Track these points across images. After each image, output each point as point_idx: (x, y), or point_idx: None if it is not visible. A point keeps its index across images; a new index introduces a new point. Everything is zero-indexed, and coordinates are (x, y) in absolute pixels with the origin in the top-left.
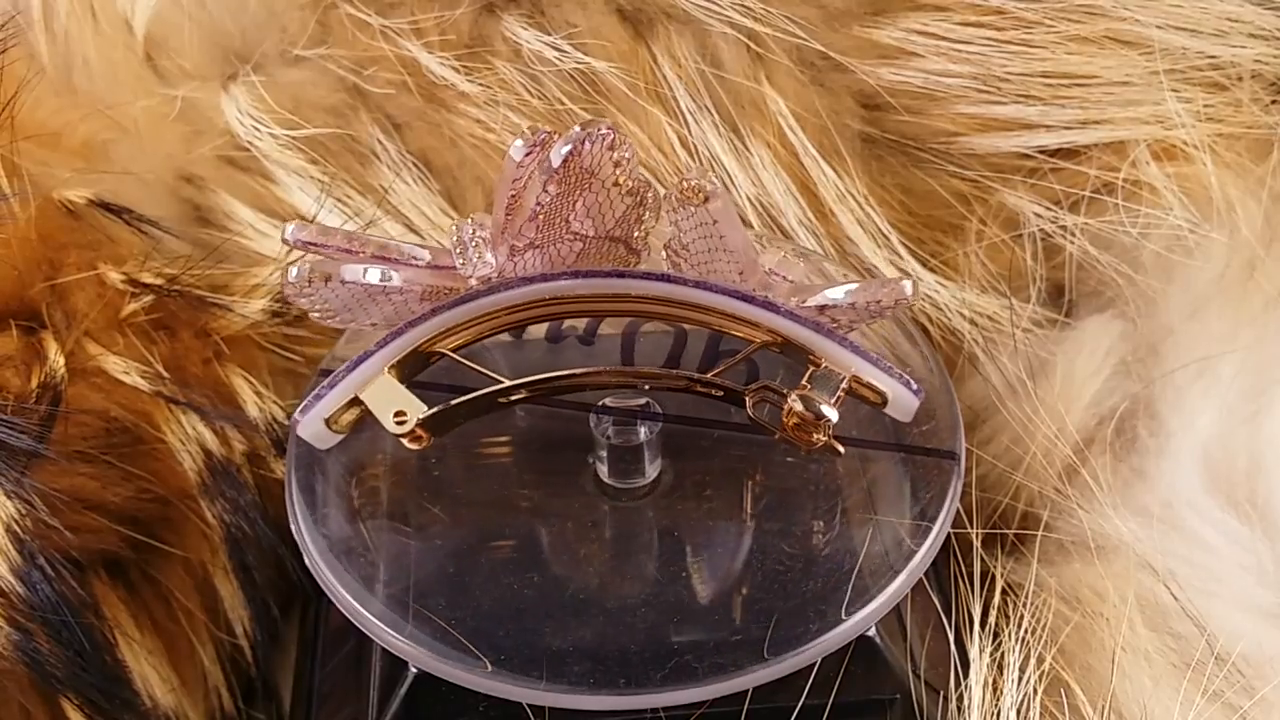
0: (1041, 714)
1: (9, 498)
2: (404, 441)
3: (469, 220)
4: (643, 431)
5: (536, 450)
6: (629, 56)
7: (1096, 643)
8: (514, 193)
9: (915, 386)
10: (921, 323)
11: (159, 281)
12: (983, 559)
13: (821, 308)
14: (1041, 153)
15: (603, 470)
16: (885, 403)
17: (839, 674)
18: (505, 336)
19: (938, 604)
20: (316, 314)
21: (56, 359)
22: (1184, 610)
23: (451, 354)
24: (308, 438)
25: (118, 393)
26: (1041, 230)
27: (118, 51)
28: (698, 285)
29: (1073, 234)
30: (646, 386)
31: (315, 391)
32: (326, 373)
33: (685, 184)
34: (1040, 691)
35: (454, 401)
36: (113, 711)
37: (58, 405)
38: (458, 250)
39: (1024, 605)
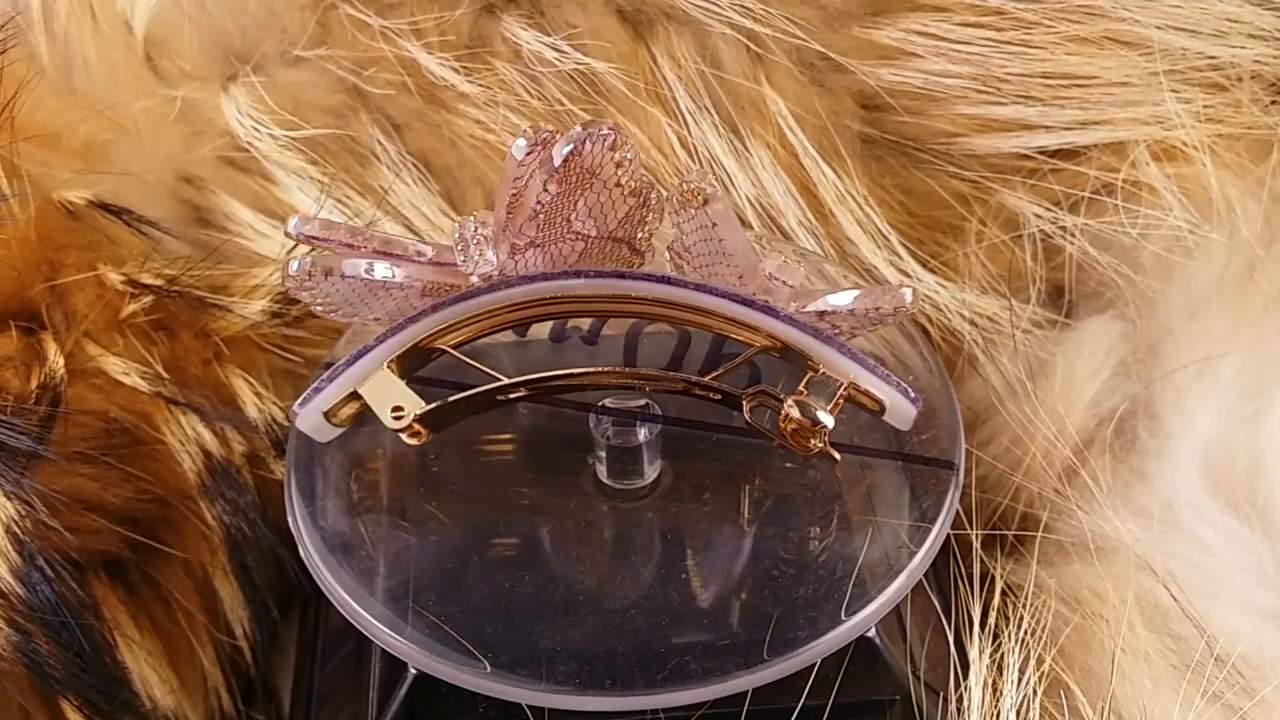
0: (1041, 715)
1: (9, 499)
2: (403, 437)
3: (471, 218)
4: (642, 433)
5: (537, 450)
6: (629, 57)
7: (1096, 644)
8: (515, 191)
9: (913, 395)
10: (921, 323)
11: (159, 282)
12: (982, 560)
13: (821, 313)
14: (1041, 153)
15: (601, 471)
16: (883, 410)
17: (839, 675)
18: (509, 335)
19: (937, 605)
20: (319, 308)
21: (56, 360)
22: (1184, 611)
23: (452, 350)
24: (306, 430)
25: (117, 393)
26: (1041, 231)
27: (117, 52)
28: (698, 288)
29: (1072, 235)
30: (647, 388)
31: (315, 384)
32: (330, 366)
33: (685, 186)
34: (1040, 693)
35: (452, 398)
36: (112, 713)
37: (57, 406)
38: (459, 247)
39: (1024, 606)
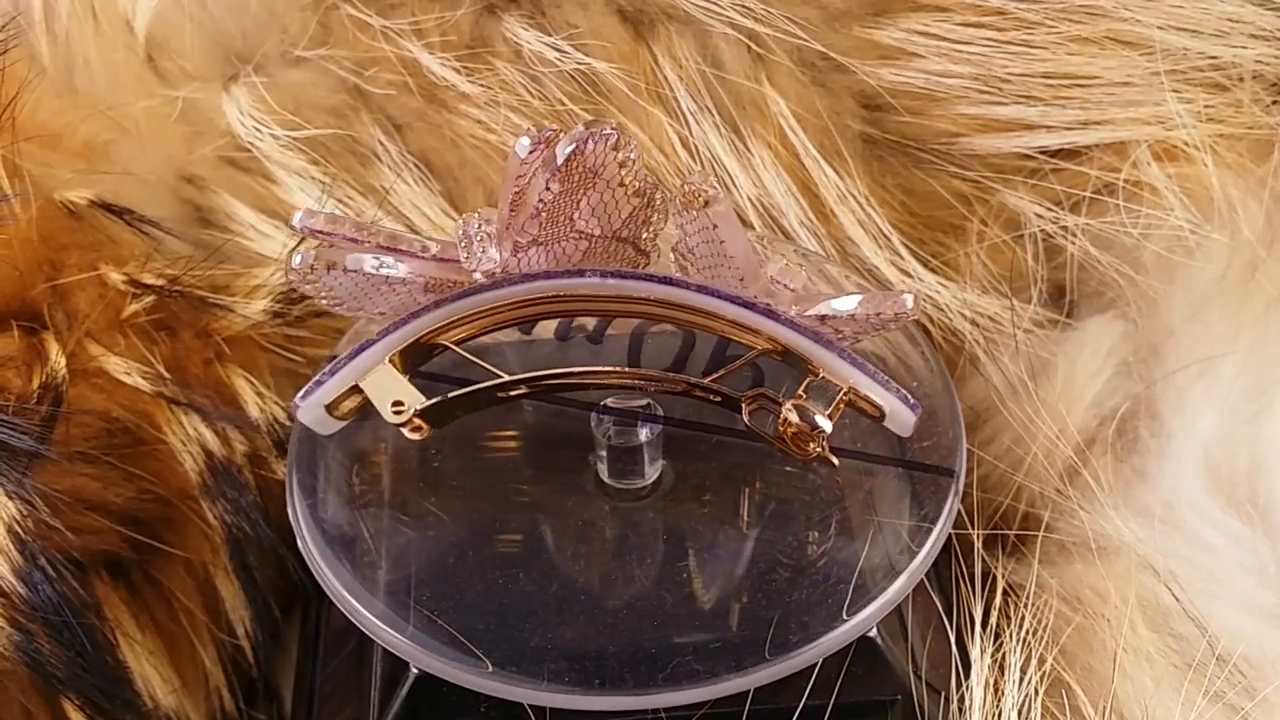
0: (1043, 715)
1: (10, 498)
2: (404, 431)
3: (475, 215)
4: (643, 433)
5: (540, 448)
6: (630, 57)
7: (1098, 643)
8: (518, 189)
9: (913, 402)
10: (923, 323)
11: (160, 282)
12: (984, 560)
13: (823, 317)
14: (1042, 153)
15: (603, 470)
16: (883, 417)
17: (840, 675)
18: (516, 333)
19: (939, 605)
20: (324, 301)
21: (58, 360)
22: (1185, 611)
23: (454, 347)
24: (308, 422)
25: (119, 393)
26: (1042, 231)
27: (119, 52)
28: (700, 290)
29: (1074, 235)
30: (649, 389)
31: (317, 377)
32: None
33: (686, 188)
34: (1041, 692)
35: (452, 394)
36: (114, 712)
37: (59, 406)
38: (463, 244)
39: (1025, 606)
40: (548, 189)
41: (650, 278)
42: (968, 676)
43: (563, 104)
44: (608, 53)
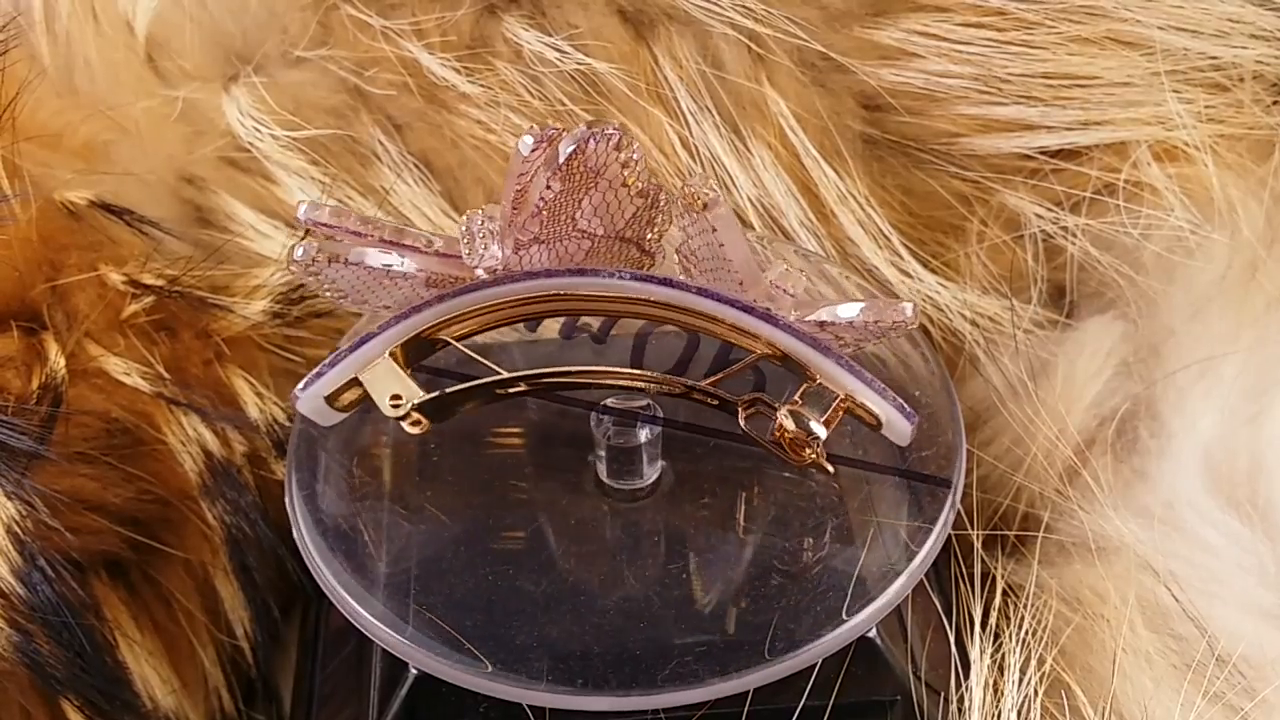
0: (1042, 715)
1: (10, 499)
2: (404, 425)
3: (479, 211)
4: (643, 434)
5: (541, 447)
6: (630, 57)
7: (1097, 644)
8: (520, 187)
9: (909, 411)
10: (923, 324)
11: (160, 282)
12: (983, 560)
13: (822, 324)
14: (1043, 154)
15: (602, 470)
16: (880, 425)
17: (840, 675)
18: (522, 331)
19: (938, 605)
20: (328, 294)
21: (57, 360)
22: (1185, 611)
23: (455, 342)
24: (308, 413)
25: (118, 394)
26: (1043, 231)
27: (119, 53)
28: (700, 292)
29: (1074, 235)
30: (650, 389)
31: (318, 369)
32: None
33: (686, 190)
34: (1041, 693)
35: (449, 389)
36: (113, 713)
37: (58, 406)
38: (465, 240)
39: (1025, 606)
40: (549, 188)
41: (650, 279)
42: (967, 677)
43: (563, 104)
44: (608, 53)
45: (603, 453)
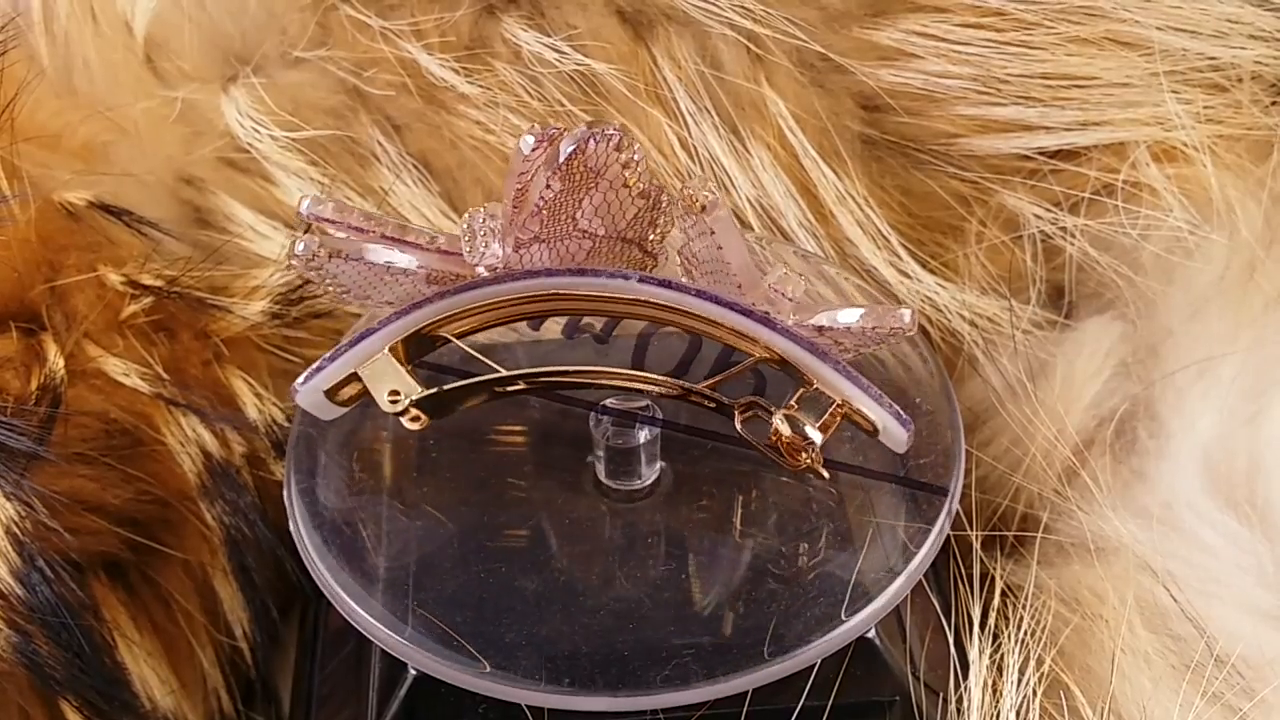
0: (1041, 716)
1: (8, 499)
2: (403, 421)
3: (481, 209)
4: (642, 435)
5: (542, 448)
6: (629, 58)
7: (1096, 644)
8: (520, 186)
9: (905, 418)
10: (921, 324)
11: (159, 283)
12: (982, 561)
13: (820, 329)
14: (1041, 154)
15: (600, 471)
16: (877, 432)
17: (839, 675)
18: (525, 328)
19: (937, 606)
20: (330, 288)
21: (56, 361)
22: (1184, 612)
23: (455, 339)
24: (307, 406)
25: (117, 394)
26: (1041, 232)
27: (118, 53)
28: (698, 294)
29: (1073, 235)
30: (652, 391)
31: (317, 363)
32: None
33: (685, 192)
34: (1040, 693)
35: (447, 385)
36: (112, 713)
37: (57, 407)
38: (466, 238)
39: (1023, 607)
40: (548, 187)
41: (649, 280)
42: (966, 677)
43: (562, 105)
44: (607, 53)
45: (601, 453)
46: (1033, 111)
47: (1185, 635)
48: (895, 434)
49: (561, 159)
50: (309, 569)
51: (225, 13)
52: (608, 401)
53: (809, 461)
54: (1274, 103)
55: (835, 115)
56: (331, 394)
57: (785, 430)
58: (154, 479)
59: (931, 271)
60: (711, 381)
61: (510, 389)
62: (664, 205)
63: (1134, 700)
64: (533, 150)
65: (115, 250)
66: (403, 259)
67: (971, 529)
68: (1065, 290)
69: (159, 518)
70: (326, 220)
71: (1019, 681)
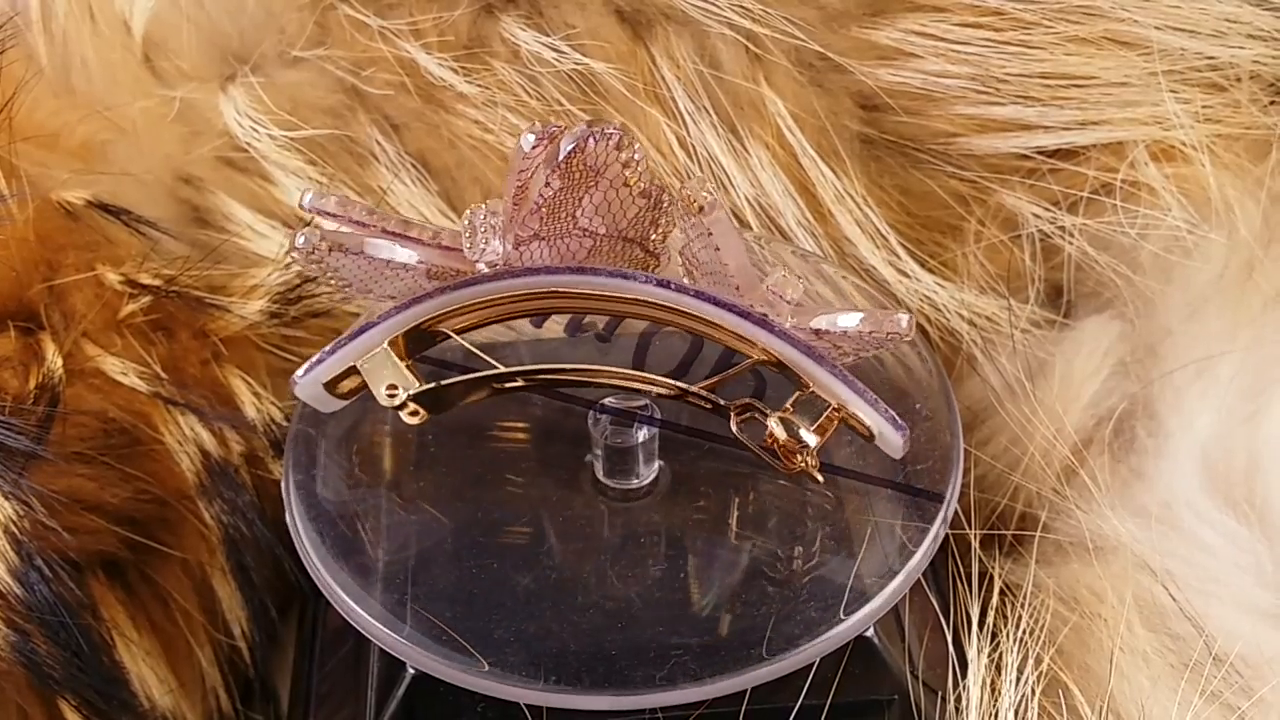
0: (1040, 714)
1: (7, 499)
2: (402, 415)
3: (483, 206)
4: (640, 434)
5: (541, 446)
6: (627, 57)
7: (1095, 643)
8: (520, 183)
9: (901, 424)
10: (920, 323)
11: (157, 282)
12: (981, 560)
13: (818, 332)
14: (1040, 154)
15: (599, 469)
16: (873, 437)
17: (837, 674)
18: (529, 327)
19: (936, 605)
20: (331, 282)
21: (54, 360)
22: (1182, 611)
23: (455, 335)
24: (306, 399)
25: (116, 394)
26: (1040, 231)
27: (116, 53)
28: (697, 295)
29: (1071, 235)
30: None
31: (317, 355)
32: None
33: (684, 193)
34: (1038, 692)
35: (445, 381)
36: (110, 712)
37: (56, 406)
38: (467, 234)
39: (1022, 606)
40: (548, 185)
41: (648, 280)
42: (965, 676)
43: (560, 104)
44: (605, 53)
45: (599, 452)
46: (1031, 111)
47: (1184, 634)
48: (891, 439)
49: (561, 157)
50: (307, 568)
51: (223, 12)
52: (606, 400)
53: (804, 464)
54: (1272, 102)
55: (834, 115)
56: (331, 387)
57: (780, 433)
58: (152, 478)
59: (930, 271)
60: (710, 382)
61: (509, 386)
62: (665, 205)
63: (1132, 699)
64: (533, 148)
65: (113, 249)
66: (404, 254)
67: (970, 528)
68: (1064, 289)
69: (157, 517)
70: (329, 214)
71: (1017, 680)
